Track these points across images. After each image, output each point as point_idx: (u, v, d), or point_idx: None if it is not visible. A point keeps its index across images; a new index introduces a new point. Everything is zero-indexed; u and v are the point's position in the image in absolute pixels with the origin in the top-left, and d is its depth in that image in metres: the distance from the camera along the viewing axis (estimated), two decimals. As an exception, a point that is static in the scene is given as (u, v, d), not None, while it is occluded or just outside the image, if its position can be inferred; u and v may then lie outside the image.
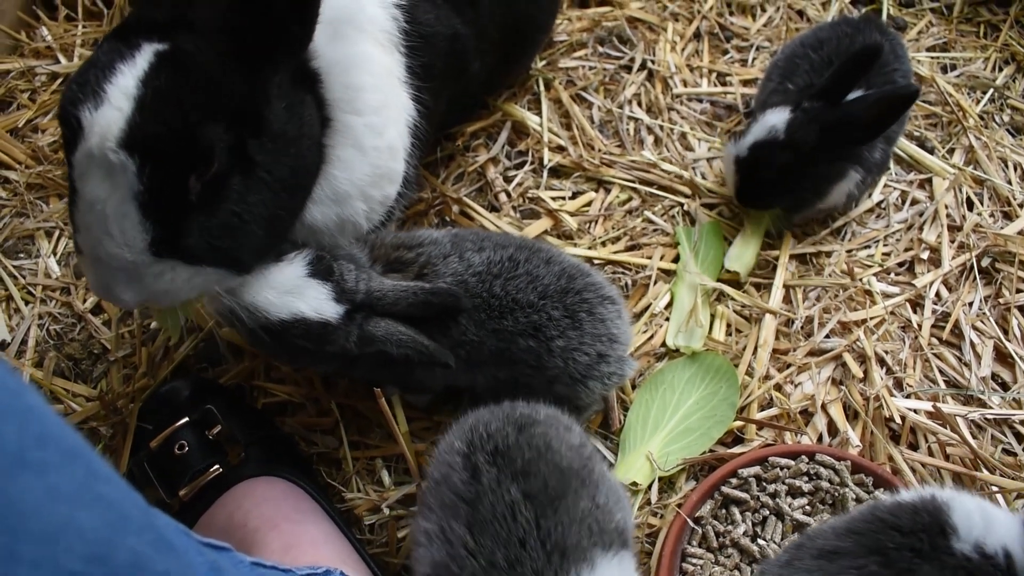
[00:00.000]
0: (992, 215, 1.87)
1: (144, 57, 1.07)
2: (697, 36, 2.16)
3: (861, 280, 1.73)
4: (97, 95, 1.05)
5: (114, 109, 1.04)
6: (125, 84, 1.05)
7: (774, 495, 1.44)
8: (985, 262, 1.77)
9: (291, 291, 1.23)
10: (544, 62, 2.06)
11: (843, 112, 1.62)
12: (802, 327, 1.68)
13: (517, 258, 1.39)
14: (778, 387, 1.60)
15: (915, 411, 1.56)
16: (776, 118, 1.65)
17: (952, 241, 1.81)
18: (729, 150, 1.73)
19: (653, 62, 2.07)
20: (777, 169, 1.67)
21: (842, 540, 1.15)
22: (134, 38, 1.09)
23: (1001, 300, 1.72)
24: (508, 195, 1.83)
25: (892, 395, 1.58)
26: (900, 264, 1.78)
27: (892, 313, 1.70)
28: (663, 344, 1.65)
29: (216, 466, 1.38)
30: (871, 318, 1.68)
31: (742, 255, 1.77)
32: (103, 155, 1.03)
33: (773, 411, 1.57)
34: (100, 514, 0.69)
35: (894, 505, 1.17)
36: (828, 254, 1.78)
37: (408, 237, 1.42)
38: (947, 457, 1.51)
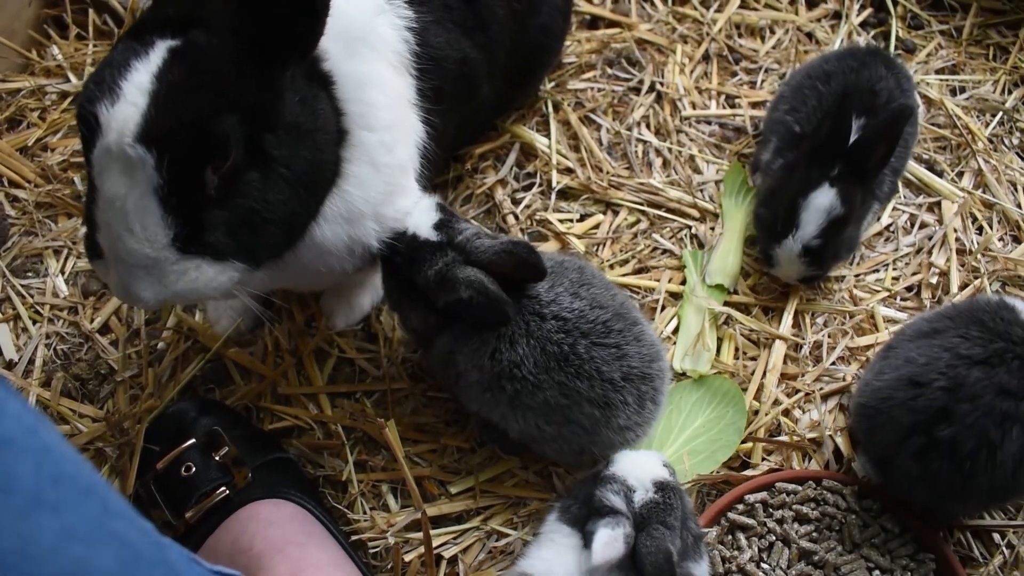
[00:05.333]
0: (1001, 239, 1.86)
1: (158, 53, 1.08)
2: (706, 58, 2.16)
3: (868, 306, 1.73)
4: (113, 92, 1.06)
5: (130, 105, 1.05)
6: (140, 80, 1.06)
7: (781, 521, 1.44)
8: (995, 286, 1.76)
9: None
10: (553, 84, 2.06)
11: (856, 161, 1.64)
12: (811, 352, 1.67)
13: (612, 327, 1.37)
14: (786, 412, 1.60)
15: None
16: (827, 199, 1.63)
17: (962, 265, 1.80)
18: (789, 248, 1.66)
19: (662, 84, 2.07)
20: (837, 242, 1.67)
21: (937, 323, 1.43)
22: (148, 36, 1.11)
23: (1010, 325, 1.71)
24: (516, 217, 1.82)
25: (901, 421, 1.57)
26: (908, 288, 1.78)
27: (901, 338, 1.69)
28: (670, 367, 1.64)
29: (223, 488, 1.38)
30: (879, 343, 1.67)
31: (724, 266, 1.77)
32: (121, 150, 1.04)
33: (781, 437, 1.57)
34: (114, 553, 0.69)
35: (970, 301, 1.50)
36: (838, 279, 1.78)
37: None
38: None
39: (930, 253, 1.83)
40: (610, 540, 1.19)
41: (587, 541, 1.21)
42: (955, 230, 1.86)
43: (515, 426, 1.41)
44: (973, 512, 1.48)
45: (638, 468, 1.30)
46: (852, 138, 1.65)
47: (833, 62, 1.87)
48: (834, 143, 1.65)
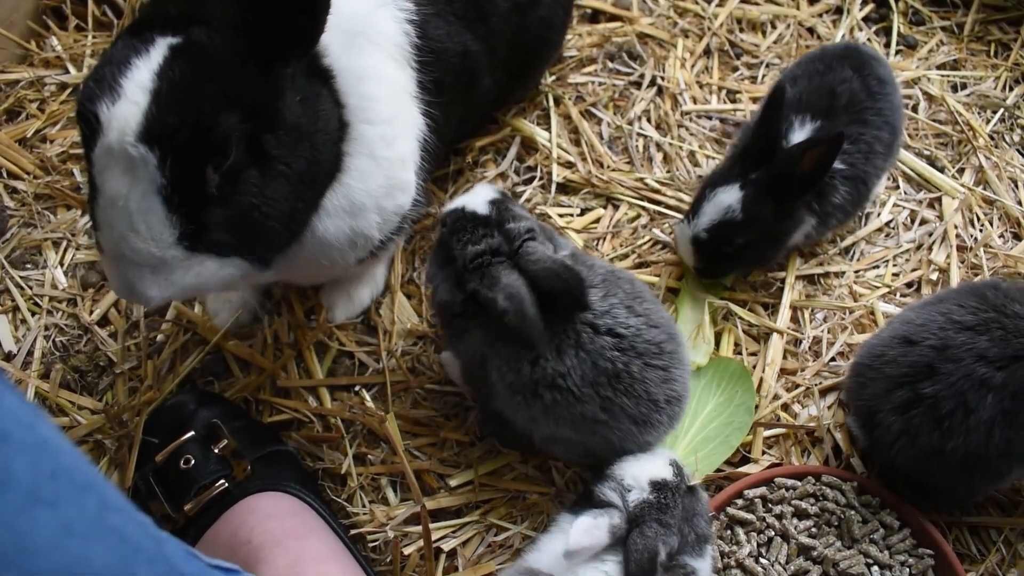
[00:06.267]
0: (1002, 236, 1.86)
1: (158, 51, 1.07)
2: (707, 53, 2.15)
3: (867, 303, 1.73)
4: (114, 90, 1.05)
5: (131, 103, 1.04)
6: (141, 78, 1.05)
7: (780, 516, 1.44)
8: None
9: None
10: (554, 77, 2.05)
11: (777, 171, 1.58)
12: (810, 347, 1.67)
13: (664, 348, 1.34)
14: (785, 407, 1.60)
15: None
16: (729, 197, 1.60)
17: (962, 262, 1.80)
18: (684, 231, 1.66)
19: (663, 78, 2.07)
20: (737, 246, 1.63)
21: (943, 294, 1.50)
22: (148, 33, 1.10)
23: (1010, 322, 1.71)
24: (516, 211, 1.82)
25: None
26: (908, 284, 1.78)
27: (900, 334, 1.69)
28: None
29: (222, 481, 1.38)
30: (879, 339, 1.67)
31: None
32: (123, 149, 1.04)
33: (780, 431, 1.57)
34: (112, 548, 0.69)
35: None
36: (838, 275, 1.78)
37: (562, 242, 1.41)
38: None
39: (930, 249, 1.82)
40: (589, 527, 1.19)
41: None
42: (955, 226, 1.85)
43: (542, 431, 1.38)
44: (958, 489, 1.46)
45: (637, 468, 1.30)
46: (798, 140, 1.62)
47: (803, 65, 1.81)
48: (760, 145, 1.61)
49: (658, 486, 1.26)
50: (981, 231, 1.86)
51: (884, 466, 1.51)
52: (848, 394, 1.54)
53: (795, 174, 1.56)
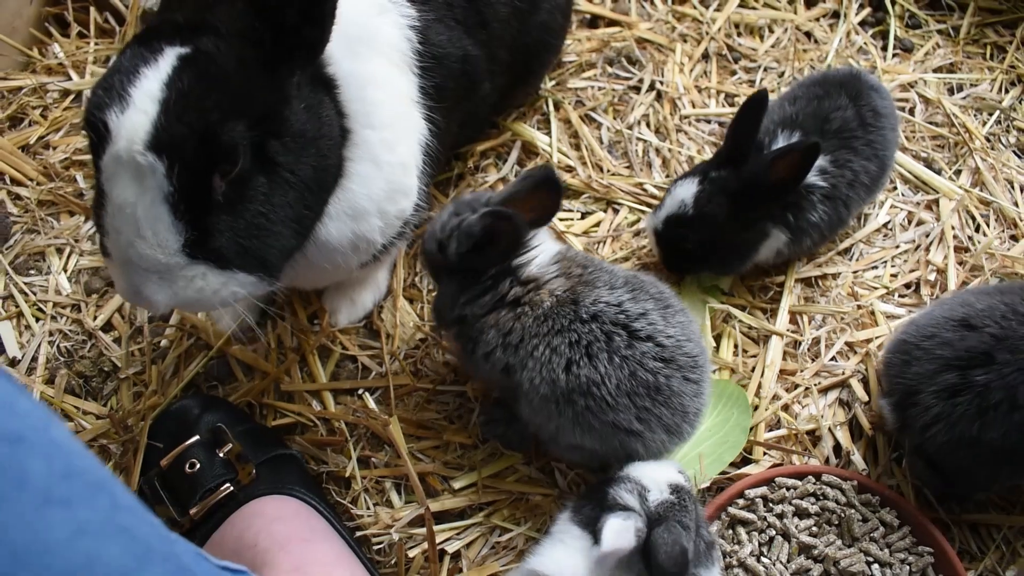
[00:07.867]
0: (999, 236, 1.87)
1: (167, 61, 1.09)
2: (705, 57, 2.17)
3: (867, 303, 1.74)
4: (123, 99, 1.06)
5: (140, 112, 1.05)
6: (149, 87, 1.06)
7: (781, 516, 1.45)
8: (992, 283, 1.77)
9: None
10: (553, 82, 2.06)
11: (745, 175, 1.58)
12: (809, 348, 1.68)
13: (699, 363, 1.34)
14: (786, 407, 1.61)
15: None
16: (684, 192, 1.61)
17: (960, 263, 1.81)
18: (648, 222, 1.70)
19: (662, 83, 2.08)
20: (692, 242, 1.64)
21: (1005, 286, 1.48)
22: (156, 43, 1.11)
23: (1008, 322, 1.72)
24: (517, 215, 1.83)
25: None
26: (906, 285, 1.79)
27: (899, 335, 1.70)
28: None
29: (227, 485, 1.39)
30: (876, 337, 1.68)
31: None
32: (131, 158, 1.05)
33: (781, 431, 1.58)
34: (125, 546, 0.70)
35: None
36: (835, 276, 1.79)
37: (585, 258, 1.41)
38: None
39: (928, 250, 1.83)
40: (621, 529, 1.18)
41: (597, 538, 1.20)
42: (952, 228, 1.87)
43: (566, 439, 1.37)
44: (980, 478, 1.45)
45: (654, 471, 1.29)
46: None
47: (806, 86, 1.81)
48: (730, 145, 1.61)
49: (676, 489, 1.26)
50: (979, 232, 1.87)
51: (908, 447, 1.49)
52: (887, 370, 1.50)
53: (764, 181, 1.56)
